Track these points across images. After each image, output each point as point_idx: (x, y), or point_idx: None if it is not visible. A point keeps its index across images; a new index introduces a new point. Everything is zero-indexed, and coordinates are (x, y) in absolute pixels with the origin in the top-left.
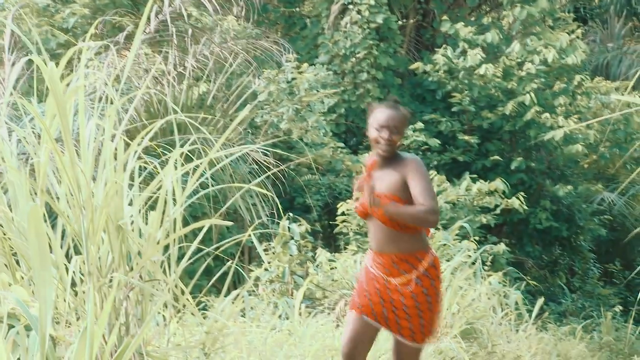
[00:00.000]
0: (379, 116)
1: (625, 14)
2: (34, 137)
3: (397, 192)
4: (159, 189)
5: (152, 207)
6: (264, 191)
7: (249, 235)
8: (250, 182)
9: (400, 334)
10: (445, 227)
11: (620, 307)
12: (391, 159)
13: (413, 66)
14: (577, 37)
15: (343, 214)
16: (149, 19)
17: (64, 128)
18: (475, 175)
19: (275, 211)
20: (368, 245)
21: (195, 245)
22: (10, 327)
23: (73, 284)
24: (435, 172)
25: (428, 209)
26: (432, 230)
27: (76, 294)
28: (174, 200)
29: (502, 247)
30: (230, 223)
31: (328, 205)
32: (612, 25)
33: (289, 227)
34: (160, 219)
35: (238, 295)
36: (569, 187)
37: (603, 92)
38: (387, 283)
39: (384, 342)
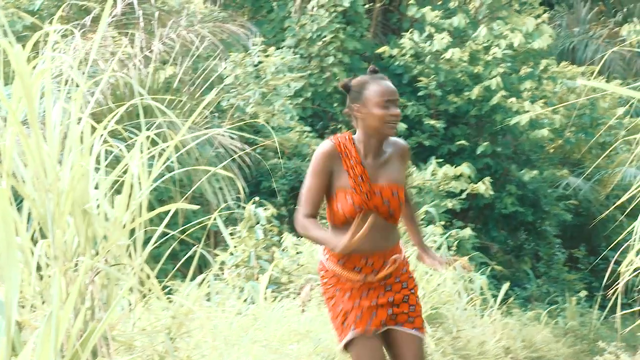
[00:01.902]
0: (383, 89)
1: None
2: (0, 120)
3: (402, 182)
4: (125, 172)
5: (118, 191)
6: (230, 175)
7: (215, 219)
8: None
9: (414, 326)
10: None
11: (585, 293)
12: (384, 142)
13: (379, 50)
14: (544, 22)
15: None
16: (115, 1)
17: (30, 111)
18: (441, 160)
19: (241, 195)
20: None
21: (161, 229)
22: None
23: (39, 268)
24: None
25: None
26: None
27: (41, 278)
28: (140, 184)
29: (467, 231)
30: (196, 207)
31: (294, 189)
32: (579, 9)
33: (254, 211)
34: (126, 203)
35: (204, 279)
36: (535, 172)
37: (569, 76)
38: (371, 284)
39: None
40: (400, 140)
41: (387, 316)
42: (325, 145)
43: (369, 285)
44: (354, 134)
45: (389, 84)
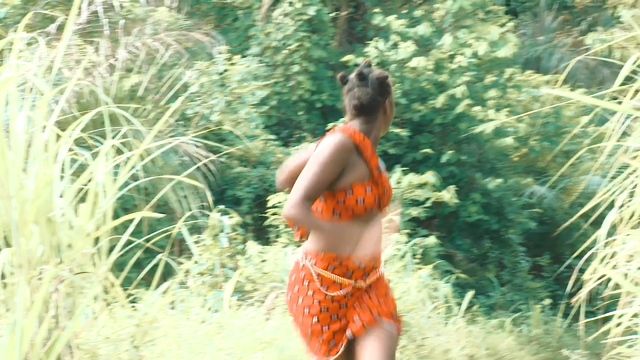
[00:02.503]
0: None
1: (556, 7)
2: None
3: None
4: (90, 181)
5: (83, 199)
6: (195, 183)
7: (179, 228)
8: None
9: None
10: None
11: (549, 301)
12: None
13: (344, 58)
14: (508, 30)
15: (274, 206)
16: (80, 9)
17: None
18: (406, 168)
19: (206, 203)
20: (322, 252)
21: (125, 237)
22: None
23: (3, 276)
24: None
25: None
26: None
27: (6, 286)
28: (105, 192)
29: (432, 240)
30: (160, 215)
31: (259, 197)
32: (543, 18)
33: (219, 220)
34: (91, 211)
35: (168, 288)
36: (499, 180)
37: (534, 85)
38: (361, 289)
39: None
40: None
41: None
42: (341, 138)
43: (352, 299)
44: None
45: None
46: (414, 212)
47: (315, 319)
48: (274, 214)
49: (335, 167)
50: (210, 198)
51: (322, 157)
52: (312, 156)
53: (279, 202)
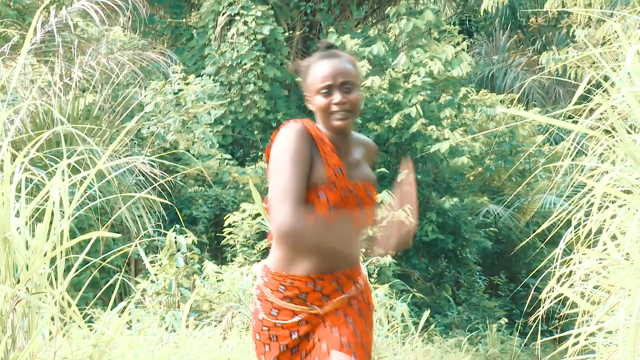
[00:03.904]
0: (323, 72)
1: (510, 27)
2: None
3: (375, 184)
4: (46, 200)
5: (39, 219)
6: (153, 198)
7: (135, 247)
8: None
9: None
10: None
11: (506, 320)
12: (350, 135)
13: (299, 78)
14: (463, 50)
15: (230, 225)
16: (35, 29)
17: None
18: None
19: (161, 223)
20: (272, 269)
21: (82, 257)
22: None
23: None
24: None
25: None
26: None
27: None
28: (61, 212)
29: (388, 259)
30: (117, 235)
31: (215, 217)
32: (498, 37)
33: (175, 239)
34: (47, 231)
35: (125, 307)
36: (455, 199)
37: (489, 104)
38: (322, 315)
39: None
40: (369, 140)
41: None
42: (295, 125)
43: (307, 327)
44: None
45: (332, 62)
46: (370, 231)
47: (266, 348)
48: (230, 233)
49: (306, 156)
50: (165, 217)
51: (287, 151)
52: (272, 159)
53: (234, 222)
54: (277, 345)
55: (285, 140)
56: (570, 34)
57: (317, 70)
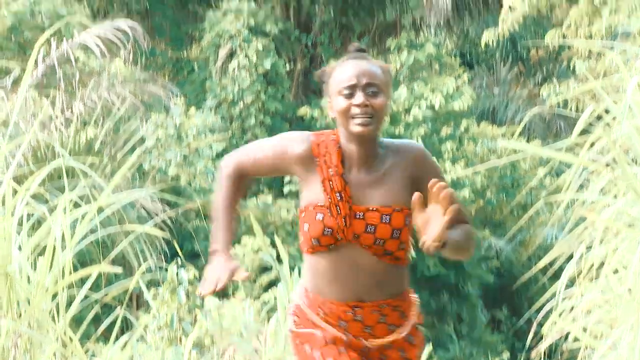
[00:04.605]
0: (346, 72)
1: (511, 59)
2: None
3: (403, 203)
4: (47, 234)
5: (41, 254)
6: (156, 231)
7: (137, 282)
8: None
9: None
10: None
11: (508, 354)
12: (373, 146)
13: (301, 111)
14: (464, 82)
15: None
16: (36, 62)
17: None
18: None
19: (163, 257)
20: (310, 292)
21: (83, 292)
22: None
23: None
24: None
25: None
26: None
27: None
28: (63, 246)
29: None
30: (119, 269)
31: None
32: (498, 70)
33: (177, 273)
34: (49, 266)
35: (127, 342)
36: None
37: (490, 137)
38: (367, 351)
39: None
40: (409, 145)
41: None
42: (301, 139)
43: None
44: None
45: (359, 63)
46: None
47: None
48: None
49: (275, 160)
50: (167, 252)
51: (272, 140)
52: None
53: (236, 256)
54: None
55: (284, 138)
56: (571, 67)
57: (341, 71)
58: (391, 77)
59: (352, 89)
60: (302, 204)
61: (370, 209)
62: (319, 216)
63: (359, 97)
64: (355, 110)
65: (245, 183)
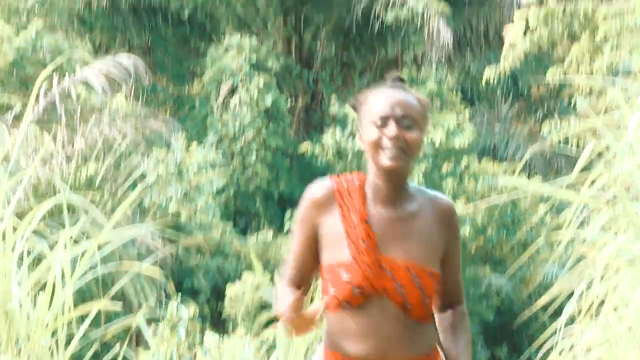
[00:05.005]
0: (381, 102)
1: (512, 96)
2: None
3: (433, 263)
4: (48, 271)
5: (42, 290)
6: (153, 270)
7: (137, 319)
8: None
9: None
10: None
11: None
12: (403, 184)
13: (302, 148)
14: (465, 119)
15: (231, 297)
16: (37, 98)
17: None
18: None
19: (163, 294)
20: (330, 351)
21: (83, 329)
22: None
23: None
24: None
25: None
26: None
27: None
28: (63, 282)
29: None
30: (118, 307)
31: (216, 288)
32: (499, 107)
33: (176, 310)
34: (49, 302)
35: None
36: None
37: (491, 174)
38: None
39: None
40: (442, 198)
41: None
42: (317, 186)
43: None
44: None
45: (394, 93)
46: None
47: None
48: (232, 304)
49: (304, 230)
50: (168, 289)
51: (296, 218)
52: None
53: (235, 293)
54: None
55: (301, 203)
56: (572, 104)
57: (375, 100)
58: (428, 112)
59: (385, 120)
60: (325, 263)
61: (396, 260)
62: (345, 276)
63: (392, 129)
64: (386, 143)
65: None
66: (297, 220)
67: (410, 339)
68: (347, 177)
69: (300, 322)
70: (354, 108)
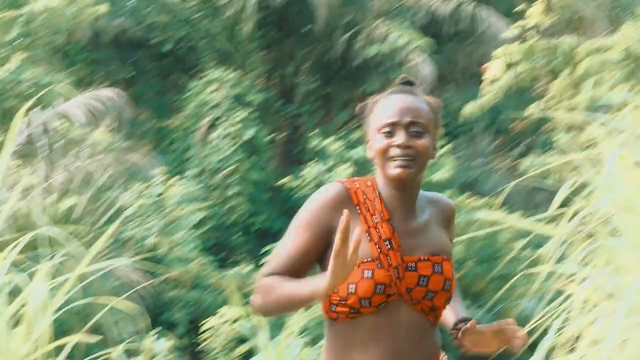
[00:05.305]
0: (388, 108)
1: (493, 131)
2: None
3: (449, 252)
4: (25, 304)
5: (19, 322)
6: (130, 304)
7: (114, 352)
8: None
9: None
10: None
11: None
12: (415, 192)
13: (282, 181)
14: (446, 153)
15: (209, 329)
16: (18, 130)
17: None
18: None
19: (141, 326)
20: None
21: None
22: None
23: None
24: None
25: None
26: None
27: None
28: (41, 315)
29: None
30: (97, 339)
31: (194, 321)
32: (480, 141)
33: (154, 343)
34: (27, 335)
35: None
36: None
37: (470, 208)
38: None
39: None
40: (445, 198)
41: None
42: (328, 187)
43: None
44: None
45: (404, 98)
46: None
47: None
48: (209, 336)
49: (313, 231)
50: (145, 322)
51: (301, 217)
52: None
53: (213, 326)
54: None
55: (308, 204)
56: (553, 139)
57: (383, 106)
58: (440, 114)
59: (394, 127)
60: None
61: (422, 258)
62: (367, 273)
63: (400, 137)
64: (394, 151)
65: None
66: (302, 222)
67: (423, 344)
68: (358, 180)
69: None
70: (361, 115)
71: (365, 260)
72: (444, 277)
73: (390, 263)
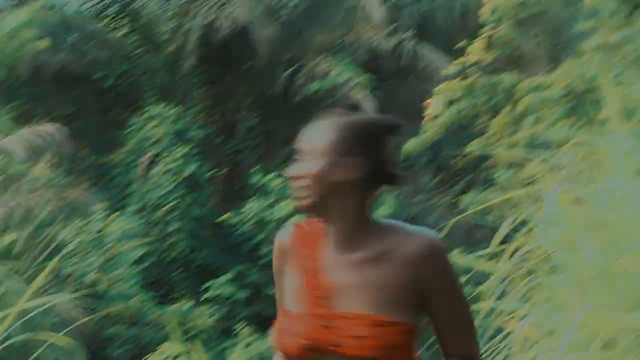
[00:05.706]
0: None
1: (433, 168)
2: None
3: (400, 310)
4: None
5: None
6: (67, 341)
7: None
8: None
9: None
10: None
11: None
12: (356, 232)
13: (222, 218)
14: (387, 189)
15: None
16: None
17: None
18: None
19: None
20: None
21: None
22: None
23: None
24: (244, 325)
25: None
26: None
27: None
28: None
29: None
30: None
31: (134, 358)
32: (420, 177)
33: None
34: None
35: None
36: None
37: None
38: None
39: None
40: (419, 234)
41: None
42: (281, 232)
43: None
44: None
45: (310, 126)
46: None
47: None
48: None
49: (277, 279)
50: (85, 358)
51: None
52: None
53: None
54: None
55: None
56: (493, 175)
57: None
58: (357, 135)
59: (294, 160)
60: (284, 305)
61: (346, 315)
62: (294, 328)
63: (290, 168)
64: (289, 184)
65: None
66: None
67: None
68: (313, 221)
69: None
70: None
71: (293, 310)
72: (381, 343)
73: (317, 315)
